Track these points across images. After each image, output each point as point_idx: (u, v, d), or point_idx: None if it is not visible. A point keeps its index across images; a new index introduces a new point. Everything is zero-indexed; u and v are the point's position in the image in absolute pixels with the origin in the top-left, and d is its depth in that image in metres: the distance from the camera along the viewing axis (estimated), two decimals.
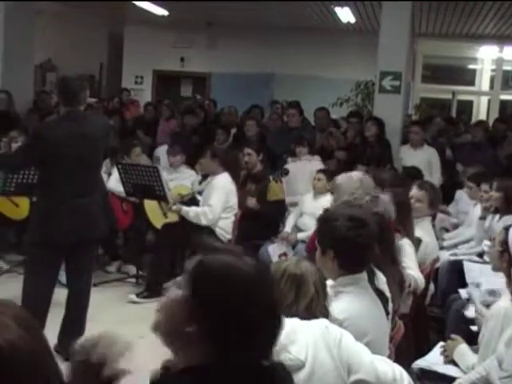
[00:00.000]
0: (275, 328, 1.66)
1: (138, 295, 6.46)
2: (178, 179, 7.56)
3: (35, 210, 4.81)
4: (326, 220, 2.95)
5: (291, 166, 7.69)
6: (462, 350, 3.46)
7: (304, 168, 7.46)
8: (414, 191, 5.35)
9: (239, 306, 1.59)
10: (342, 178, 4.57)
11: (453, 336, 3.64)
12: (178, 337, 1.63)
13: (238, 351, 1.59)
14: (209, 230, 6.60)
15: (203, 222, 6.55)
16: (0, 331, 1.23)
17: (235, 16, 12.47)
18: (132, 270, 7.20)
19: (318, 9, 11.37)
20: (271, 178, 7.23)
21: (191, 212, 6.62)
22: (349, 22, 12.08)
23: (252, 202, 7.13)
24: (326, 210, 3.16)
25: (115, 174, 7.22)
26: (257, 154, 7.30)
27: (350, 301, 2.83)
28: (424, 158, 7.97)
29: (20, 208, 7.05)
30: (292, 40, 13.23)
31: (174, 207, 6.66)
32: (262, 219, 7.05)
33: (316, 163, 7.59)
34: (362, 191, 4.34)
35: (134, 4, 11.71)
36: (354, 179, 4.46)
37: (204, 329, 1.59)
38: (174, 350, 1.66)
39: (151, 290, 6.51)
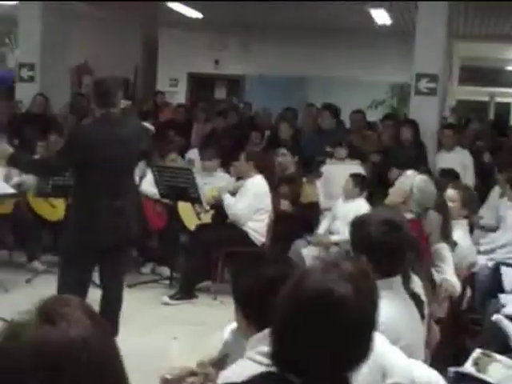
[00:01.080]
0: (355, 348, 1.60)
1: (171, 297, 6.48)
2: (213, 183, 7.54)
3: (71, 212, 4.84)
4: (359, 224, 2.91)
5: (329, 167, 7.64)
6: (496, 368, 3.36)
7: (341, 171, 7.38)
8: (448, 191, 5.28)
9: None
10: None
11: (485, 352, 3.53)
12: None
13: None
14: (242, 233, 6.60)
15: (228, 212, 6.69)
16: (73, 325, 1.23)
17: (270, 18, 12.46)
18: (166, 271, 7.22)
19: (354, 11, 11.30)
20: (304, 180, 7.21)
21: (227, 199, 6.73)
22: (384, 24, 11.99)
23: (285, 204, 7.11)
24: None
25: (149, 176, 7.25)
26: (292, 156, 7.30)
27: (384, 305, 2.78)
28: (457, 161, 7.85)
29: (56, 209, 7.12)
30: (327, 42, 13.18)
31: (216, 193, 6.85)
32: (295, 221, 7.03)
33: (354, 167, 7.47)
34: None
35: (169, 7, 11.77)
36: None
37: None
38: None
39: (184, 292, 6.53)
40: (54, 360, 1.18)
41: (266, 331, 1.96)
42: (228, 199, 6.74)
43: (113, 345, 1.29)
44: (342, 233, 6.59)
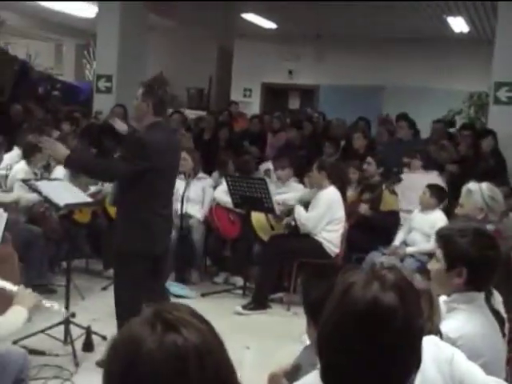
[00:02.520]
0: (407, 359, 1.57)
1: (244, 307, 6.47)
2: (286, 193, 7.51)
3: (129, 221, 4.67)
4: (454, 236, 2.82)
5: (405, 177, 7.54)
6: None
7: (417, 181, 7.26)
8: None
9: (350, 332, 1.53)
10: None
11: None
12: None
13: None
14: (316, 244, 6.55)
15: (298, 223, 6.69)
16: (193, 331, 1.25)
17: (344, 27, 12.40)
18: (239, 281, 7.23)
19: (430, 19, 11.13)
20: (384, 186, 7.11)
21: (297, 208, 6.72)
22: (461, 32, 11.77)
23: (364, 207, 7.02)
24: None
25: (223, 185, 7.29)
26: (377, 166, 7.26)
27: (464, 319, 2.70)
28: None
29: None
30: (402, 51, 13.04)
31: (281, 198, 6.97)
32: (373, 229, 6.93)
33: (430, 177, 7.33)
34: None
35: (244, 18, 11.86)
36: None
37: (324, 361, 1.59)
38: None
39: (257, 302, 6.51)
40: (184, 366, 1.20)
41: None
42: (299, 209, 6.72)
43: (224, 347, 1.31)
44: (418, 244, 6.50)
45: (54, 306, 3.55)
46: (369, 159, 7.39)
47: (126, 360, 1.21)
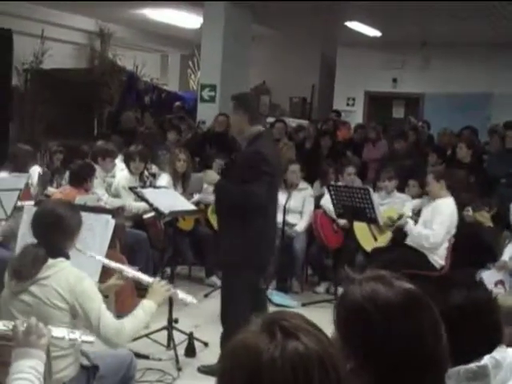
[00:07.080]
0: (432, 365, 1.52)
1: None
2: (390, 204, 7.36)
3: (243, 232, 4.57)
4: None
5: None
6: None
7: None
8: None
9: (381, 338, 1.50)
10: None
11: None
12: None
13: None
14: (420, 254, 6.39)
15: (425, 244, 6.39)
16: (311, 338, 1.24)
17: (449, 34, 12.09)
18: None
19: None
20: (471, 210, 6.78)
21: (414, 231, 6.50)
22: None
23: (467, 214, 6.77)
24: None
25: (327, 195, 7.24)
26: (467, 176, 7.05)
27: None
28: None
29: None
30: (510, 56, 12.58)
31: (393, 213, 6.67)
32: (474, 245, 6.70)
33: None
34: None
35: (348, 26, 11.77)
36: None
37: (355, 366, 1.53)
38: None
39: None
40: (308, 374, 1.19)
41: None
42: (416, 230, 6.48)
43: (340, 354, 1.30)
44: None
45: (187, 299, 3.75)
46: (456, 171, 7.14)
47: (248, 369, 1.20)
